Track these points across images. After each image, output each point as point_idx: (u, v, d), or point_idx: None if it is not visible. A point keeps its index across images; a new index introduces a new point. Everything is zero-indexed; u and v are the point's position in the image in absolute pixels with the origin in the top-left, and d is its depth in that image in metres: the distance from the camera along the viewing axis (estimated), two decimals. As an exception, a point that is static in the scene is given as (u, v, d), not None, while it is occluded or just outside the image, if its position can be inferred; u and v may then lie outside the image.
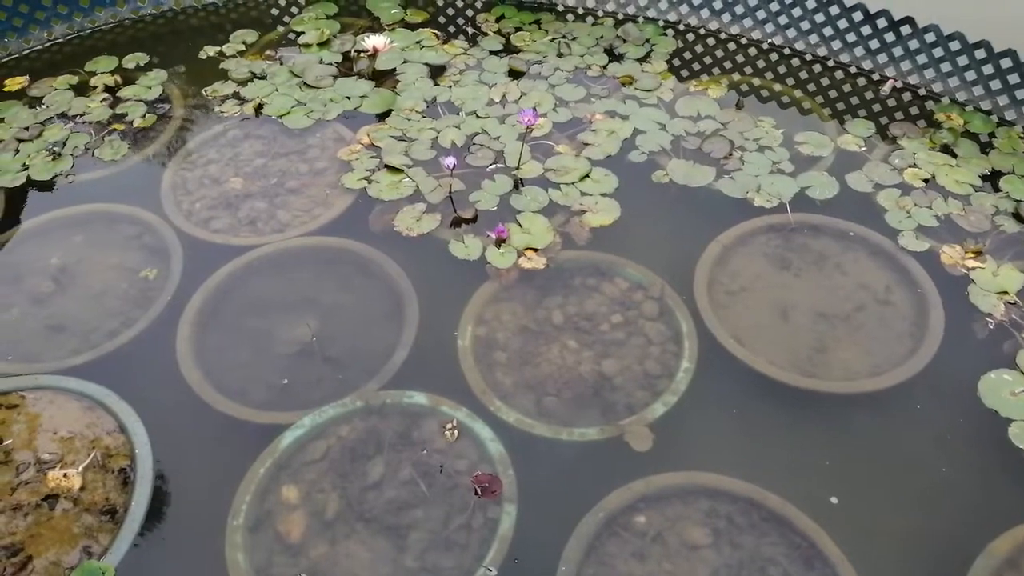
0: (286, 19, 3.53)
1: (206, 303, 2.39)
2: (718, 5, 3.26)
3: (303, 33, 3.38)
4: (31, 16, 3.31)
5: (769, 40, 3.26)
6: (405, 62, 3.22)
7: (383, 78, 3.17)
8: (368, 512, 1.96)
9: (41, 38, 3.37)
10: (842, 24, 3.08)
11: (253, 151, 2.89)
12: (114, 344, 2.28)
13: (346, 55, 3.27)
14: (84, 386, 2.15)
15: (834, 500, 1.96)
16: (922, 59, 2.98)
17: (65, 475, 1.97)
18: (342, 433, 2.12)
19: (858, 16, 3.02)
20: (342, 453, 2.08)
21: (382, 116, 3.00)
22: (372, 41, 3.03)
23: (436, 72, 3.19)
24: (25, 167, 2.81)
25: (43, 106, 3.07)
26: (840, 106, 3.05)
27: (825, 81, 3.15)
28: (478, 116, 2.96)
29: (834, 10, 3.05)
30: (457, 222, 2.62)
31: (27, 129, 2.96)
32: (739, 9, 3.24)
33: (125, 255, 2.56)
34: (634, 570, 1.86)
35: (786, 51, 3.24)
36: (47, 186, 2.77)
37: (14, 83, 3.19)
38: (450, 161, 2.61)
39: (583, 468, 2.04)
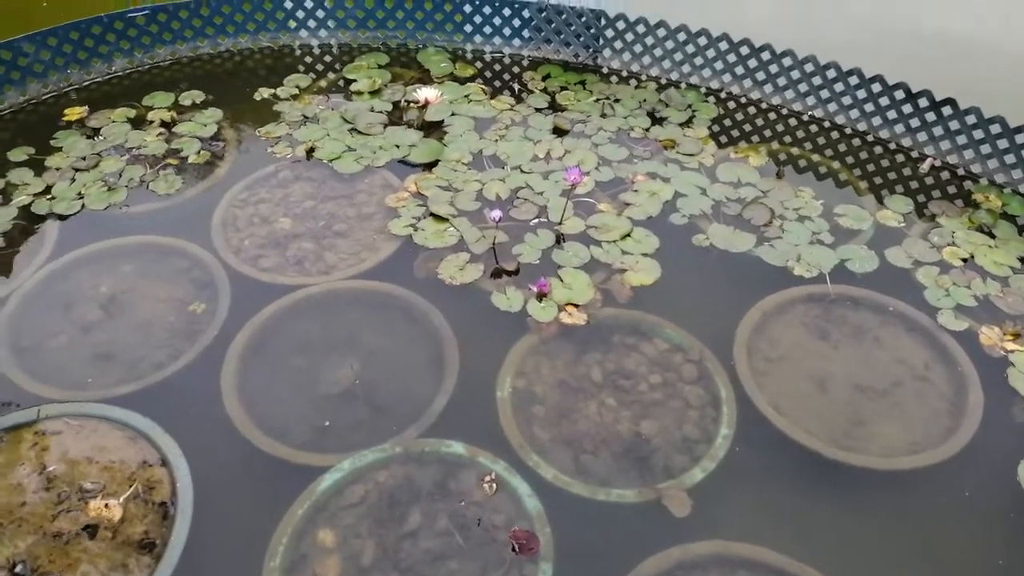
0: (337, 66, 3.64)
1: (252, 340, 2.43)
2: (761, 76, 3.34)
3: (355, 81, 3.48)
4: (95, 50, 3.43)
5: (810, 112, 3.32)
6: (453, 114, 3.31)
7: (431, 129, 3.25)
8: (403, 561, 1.96)
9: (102, 71, 3.48)
10: (883, 101, 3.14)
11: (303, 193, 2.96)
12: (160, 376, 2.31)
13: (396, 104, 3.37)
14: (129, 416, 2.18)
15: (873, 578, 1.95)
16: (962, 140, 3.03)
17: (107, 505, 1.98)
18: (380, 479, 2.13)
19: (900, 95, 3.08)
20: (379, 499, 2.08)
21: (429, 166, 3.07)
22: (424, 93, 3.12)
23: (483, 126, 3.27)
24: (81, 196, 2.89)
25: (101, 137, 3.16)
26: (878, 180, 3.09)
27: (863, 155, 3.20)
28: (523, 171, 3.03)
29: (876, 87, 3.12)
30: (498, 273, 2.67)
31: (84, 159, 3.04)
32: (782, 81, 3.31)
33: (174, 288, 2.61)
34: (669, 638, 1.85)
35: (826, 124, 3.30)
36: (101, 216, 2.85)
37: (73, 113, 3.29)
38: (496, 214, 2.66)
39: (620, 530, 2.04)
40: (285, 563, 1.93)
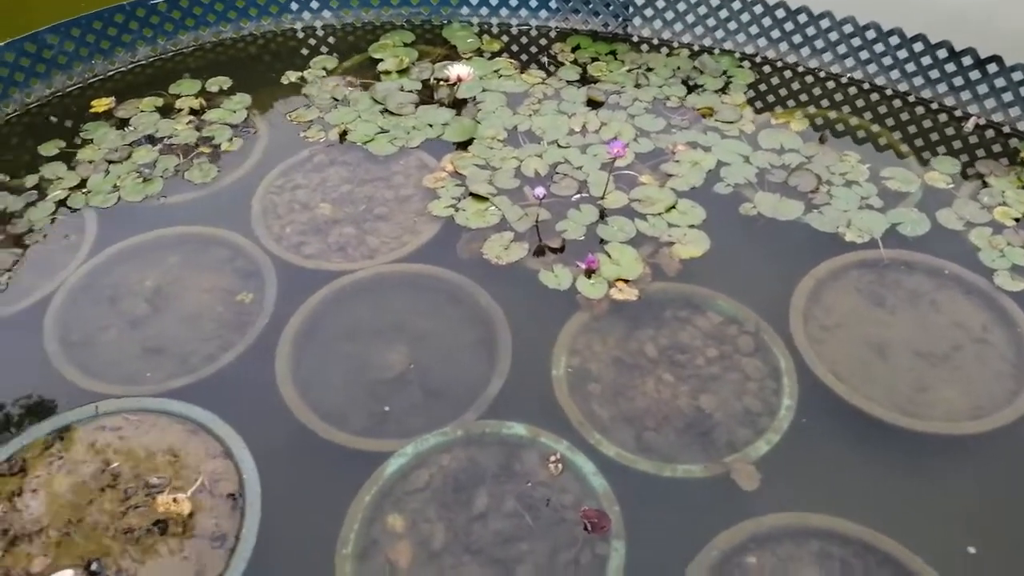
0: (362, 45, 3.57)
1: (302, 328, 2.41)
2: (798, 39, 3.27)
3: (382, 60, 3.43)
4: (118, 39, 3.38)
5: (849, 75, 3.25)
6: (484, 90, 3.25)
7: (462, 106, 3.20)
8: (474, 544, 1.96)
9: (125, 60, 3.43)
10: (925, 60, 3.08)
11: (339, 177, 2.92)
12: (214, 367, 2.30)
13: (425, 82, 3.31)
14: (188, 409, 2.17)
15: (971, 550, 1.93)
16: (1008, 97, 2.96)
17: (175, 500, 1.98)
18: (444, 462, 2.12)
19: (943, 53, 3.01)
20: (445, 483, 2.07)
21: (464, 144, 3.02)
22: (455, 70, 3.06)
23: (515, 101, 3.22)
24: (116, 188, 2.86)
25: (130, 128, 3.12)
26: (919, 142, 3.03)
27: (905, 116, 3.14)
28: (559, 145, 2.98)
29: (918, 47, 3.05)
30: (541, 251, 2.63)
31: (116, 150, 3.01)
32: (819, 44, 3.24)
33: (218, 278, 2.58)
34: (747, 611, 1.84)
35: (866, 86, 3.24)
36: (138, 207, 2.82)
37: (100, 104, 3.25)
38: (540, 191, 2.62)
39: (689, 505, 2.03)
40: (357, 549, 1.93)
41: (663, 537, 1.96)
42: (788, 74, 3.33)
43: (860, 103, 3.20)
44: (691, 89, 3.23)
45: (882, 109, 3.17)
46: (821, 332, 2.39)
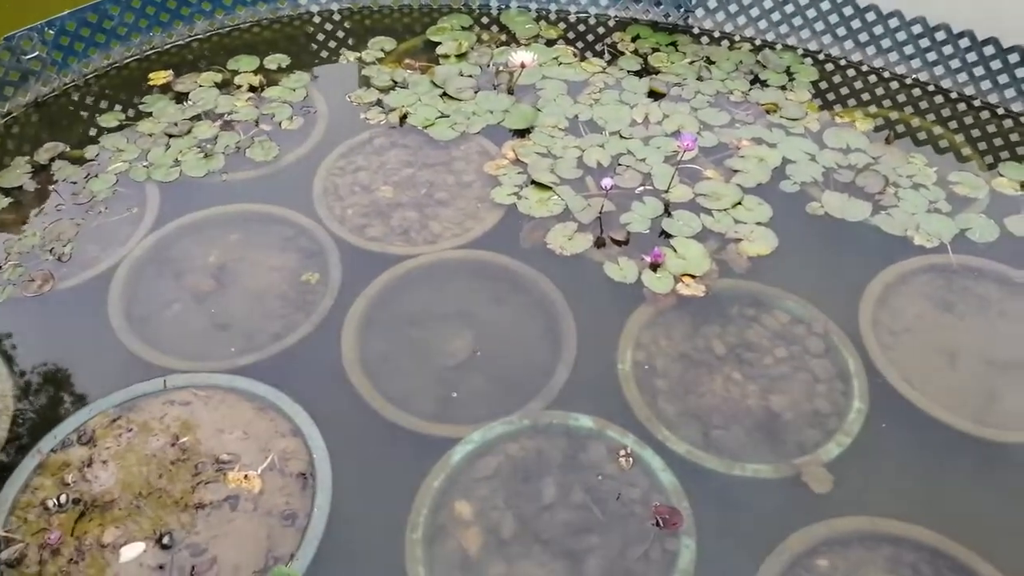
0: (418, 28, 3.55)
1: (367, 310, 2.40)
2: (864, 37, 3.22)
3: (440, 44, 3.40)
4: (177, 12, 3.36)
5: (914, 75, 3.21)
6: (544, 77, 3.22)
7: (521, 93, 3.17)
8: (544, 534, 1.95)
9: (183, 34, 3.42)
10: (995, 65, 3.02)
11: (400, 160, 2.90)
12: (280, 346, 2.30)
13: (483, 67, 3.28)
14: (256, 387, 2.17)
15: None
16: (1080, 104, 2.92)
17: (246, 476, 1.98)
18: (510, 451, 2.11)
19: (1015, 58, 2.96)
20: (512, 471, 2.07)
21: (524, 131, 3.00)
22: (519, 56, 3.03)
23: (575, 89, 3.19)
24: (178, 162, 2.85)
25: (189, 102, 3.11)
26: (983, 146, 2.99)
27: (970, 120, 3.10)
28: (622, 136, 2.95)
29: (989, 50, 3.00)
30: (605, 242, 2.61)
31: (176, 124, 3.00)
32: (886, 43, 3.19)
33: (282, 257, 2.58)
34: (820, 614, 1.83)
35: (930, 88, 3.19)
36: (200, 183, 2.81)
37: (158, 77, 3.24)
38: (608, 182, 2.60)
39: (759, 505, 2.01)
40: (427, 534, 1.93)
41: (733, 536, 1.95)
42: (852, 72, 3.28)
43: (924, 105, 3.16)
44: (755, 84, 3.20)
45: (945, 112, 3.13)
46: (890, 336, 2.37)
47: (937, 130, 3.06)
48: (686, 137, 2.61)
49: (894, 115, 3.11)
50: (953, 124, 3.09)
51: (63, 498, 1.95)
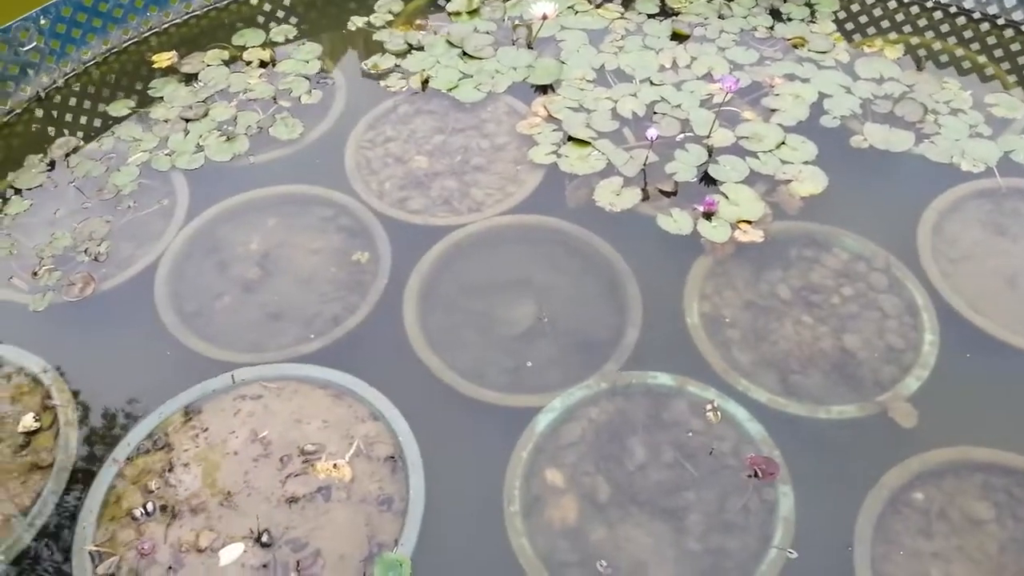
0: (422, -15, 3.42)
1: (423, 286, 2.35)
2: (884, -39, 3.16)
3: (449, 1, 3.28)
4: (172, -13, 3.21)
5: (936, -3, 3.17)
6: (562, 28, 3.13)
7: (542, 46, 3.08)
8: (640, 495, 1.95)
9: (180, 11, 3.26)
10: (1020, -22, 2.99)
11: (428, 127, 2.81)
12: (341, 330, 2.24)
13: (499, 23, 3.18)
14: (330, 374, 2.12)
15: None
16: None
17: (335, 466, 1.95)
18: (592, 415, 2.10)
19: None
20: (598, 436, 2.06)
21: (551, 86, 2.92)
22: (540, 8, 2.93)
23: (596, 38, 3.10)
24: (200, 148, 2.74)
25: (200, 83, 2.98)
26: (1006, 65, 2.96)
27: (992, 40, 3.06)
28: (652, 83, 2.88)
29: (1013, -36, 2.96)
30: (653, 194, 2.56)
31: (191, 108, 2.88)
32: (907, -35, 3.14)
33: (325, 238, 2.51)
34: (923, 547, 1.85)
35: (952, 9, 3.14)
36: (227, 167, 2.71)
37: (162, 59, 3.10)
38: (652, 132, 2.54)
39: (848, 446, 2.02)
40: (524, 506, 1.92)
41: (829, 479, 1.96)
42: (871, 0, 3.23)
43: (945, 28, 3.12)
44: (778, 18, 3.13)
45: (967, 33, 3.09)
46: (950, 265, 2.37)
47: (960, 52, 3.03)
48: (727, 80, 2.55)
49: (918, 39, 3.07)
50: (976, 45, 3.06)
51: (149, 506, 1.91)
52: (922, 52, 3.03)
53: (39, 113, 2.95)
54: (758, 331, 2.25)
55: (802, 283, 2.34)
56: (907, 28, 3.12)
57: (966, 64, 2.98)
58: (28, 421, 2.09)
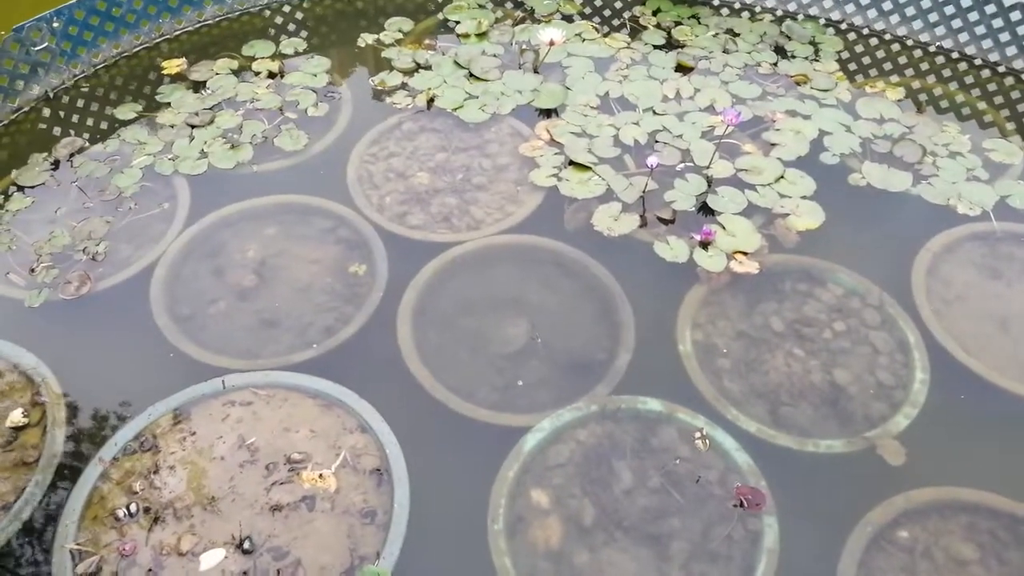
0: (431, 7, 3.46)
1: (419, 301, 2.36)
2: (887, 6, 3.21)
3: (459, 22, 3.32)
4: (187, -4, 3.25)
5: (938, 43, 3.21)
6: (569, 55, 3.17)
7: (548, 72, 3.12)
8: (625, 520, 1.95)
9: (192, 19, 3.30)
10: (1021, 30, 3.03)
11: (432, 145, 2.84)
12: (335, 341, 2.25)
13: (507, 47, 3.22)
14: (318, 383, 2.12)
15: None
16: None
17: (320, 475, 1.94)
18: (581, 438, 2.09)
19: (1042, 21, 2.98)
20: (586, 458, 2.05)
21: (555, 111, 2.95)
22: (548, 34, 2.98)
23: (601, 66, 3.14)
24: (204, 154, 2.76)
25: (208, 91, 3.01)
26: (1006, 112, 3.00)
27: (992, 87, 3.11)
28: (655, 112, 2.92)
29: (1015, 15, 3.00)
30: (650, 221, 2.59)
31: (197, 115, 2.90)
32: (910, 11, 3.19)
33: (323, 249, 2.52)
34: (906, 585, 1.85)
35: (954, 55, 3.19)
36: (230, 175, 2.73)
37: (171, 66, 3.13)
38: (653, 160, 2.57)
39: (835, 481, 2.03)
40: (508, 525, 1.91)
41: (814, 513, 1.96)
42: (875, 41, 3.27)
43: (948, 72, 3.16)
44: (782, 55, 3.17)
45: (969, 79, 3.14)
46: (943, 305, 2.38)
47: (960, 98, 3.07)
48: (729, 112, 2.58)
49: (919, 84, 3.12)
50: (976, 91, 3.11)
51: (133, 507, 1.90)
52: (923, 95, 3.07)
53: (46, 112, 2.98)
54: (750, 362, 2.26)
55: (795, 316, 2.35)
56: (909, 71, 3.17)
57: (966, 109, 3.02)
58: (16, 417, 2.08)
